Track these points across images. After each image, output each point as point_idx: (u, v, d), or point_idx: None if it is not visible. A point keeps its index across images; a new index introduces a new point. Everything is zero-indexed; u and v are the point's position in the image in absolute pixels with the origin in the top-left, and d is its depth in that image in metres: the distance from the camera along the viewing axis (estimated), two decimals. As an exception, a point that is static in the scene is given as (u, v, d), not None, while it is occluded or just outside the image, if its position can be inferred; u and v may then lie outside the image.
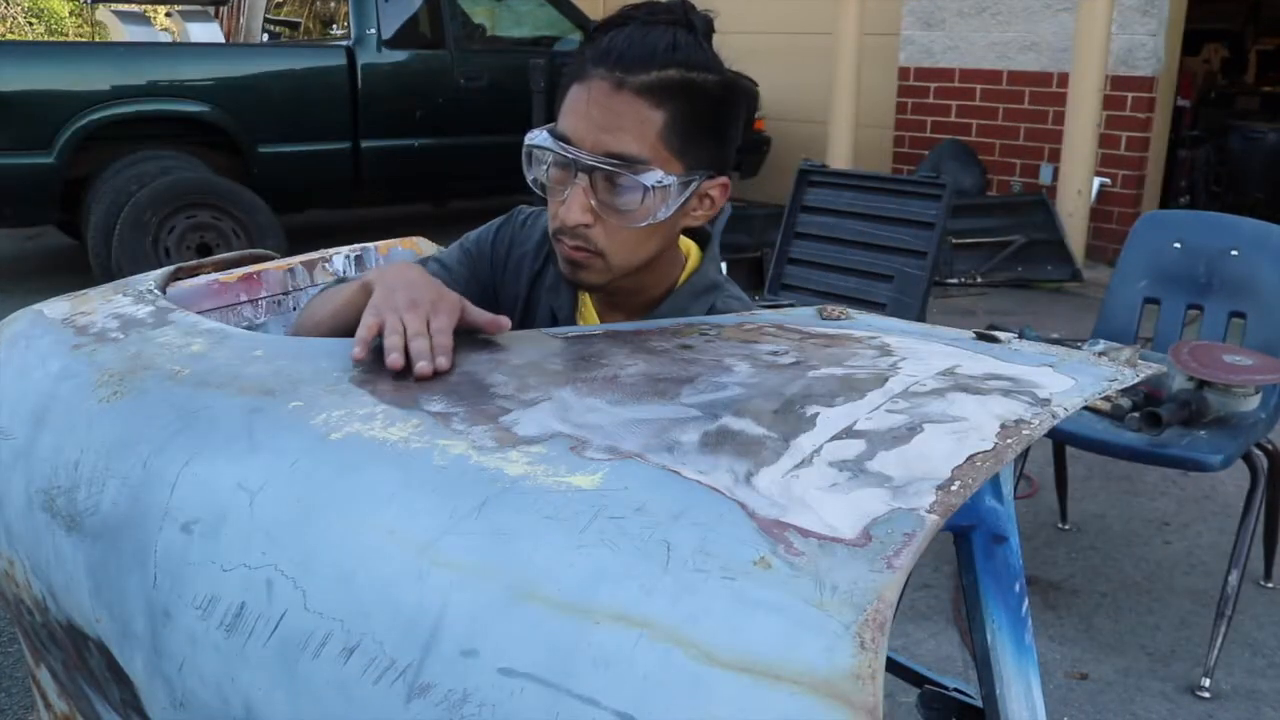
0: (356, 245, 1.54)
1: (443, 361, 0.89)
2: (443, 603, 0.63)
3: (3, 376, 1.06)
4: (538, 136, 1.05)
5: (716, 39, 1.06)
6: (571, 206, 1.02)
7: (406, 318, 0.92)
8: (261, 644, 0.69)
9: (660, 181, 1.01)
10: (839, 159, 5.97)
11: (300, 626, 0.68)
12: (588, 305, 1.18)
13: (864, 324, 0.93)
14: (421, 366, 0.87)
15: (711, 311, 1.14)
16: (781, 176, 5.26)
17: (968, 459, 0.64)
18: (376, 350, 0.93)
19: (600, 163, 1.00)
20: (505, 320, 0.99)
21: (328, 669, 0.65)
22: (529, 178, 1.08)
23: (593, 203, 1.02)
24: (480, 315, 0.98)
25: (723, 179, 1.09)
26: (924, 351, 0.83)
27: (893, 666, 1.39)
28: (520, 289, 1.22)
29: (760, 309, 1.05)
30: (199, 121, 5.05)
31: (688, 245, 1.19)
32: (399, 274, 1.01)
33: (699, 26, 1.04)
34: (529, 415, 0.76)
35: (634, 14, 1.04)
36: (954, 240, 5.15)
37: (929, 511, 0.60)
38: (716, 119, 1.05)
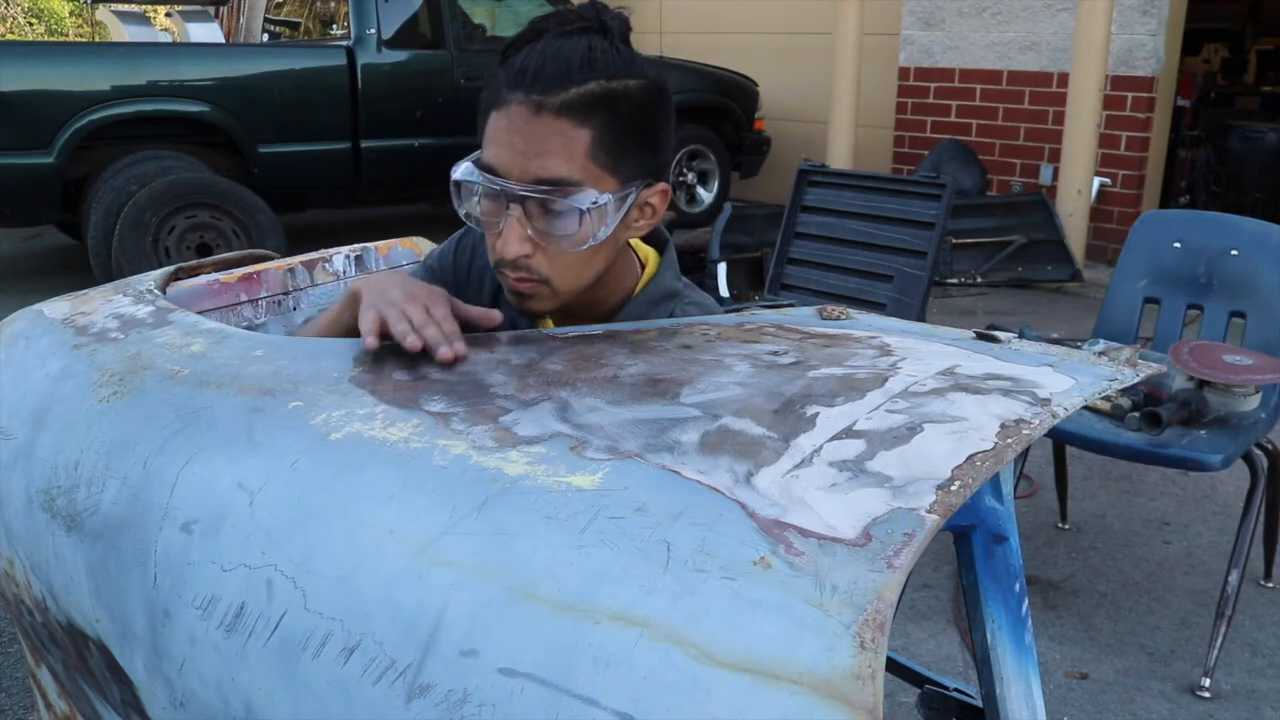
0: (356, 245, 1.54)
1: (460, 346, 0.88)
2: (443, 603, 0.63)
3: (3, 376, 1.06)
4: (462, 169, 1.01)
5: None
6: (509, 239, 0.98)
7: (407, 309, 0.93)
8: (261, 644, 0.69)
9: (595, 202, 0.96)
10: (839, 159, 5.97)
11: (300, 626, 0.68)
12: (546, 320, 1.17)
13: (864, 324, 0.93)
14: (443, 352, 0.87)
15: None
16: (781, 176, 5.27)
17: (968, 459, 0.64)
18: (376, 350, 0.93)
19: (530, 191, 0.96)
20: (496, 313, 0.99)
21: (328, 669, 0.66)
22: (460, 212, 1.03)
23: (529, 232, 0.98)
24: (471, 309, 0.98)
25: (661, 185, 1.04)
26: (924, 351, 0.83)
27: (893, 666, 1.39)
28: (484, 299, 1.19)
29: (755, 309, 1.05)
30: (199, 121, 5.05)
31: (646, 252, 1.16)
32: (383, 277, 1.01)
33: (615, 29, 1.00)
34: (529, 415, 0.76)
35: (544, 26, 1.00)
36: (954, 240, 5.16)
37: (929, 511, 0.60)
38: (645, 126, 1.00)
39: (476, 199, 1.01)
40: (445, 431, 0.75)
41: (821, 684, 0.52)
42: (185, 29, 6.43)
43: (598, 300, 1.10)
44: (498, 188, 0.97)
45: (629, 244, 1.13)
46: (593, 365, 0.87)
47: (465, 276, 1.22)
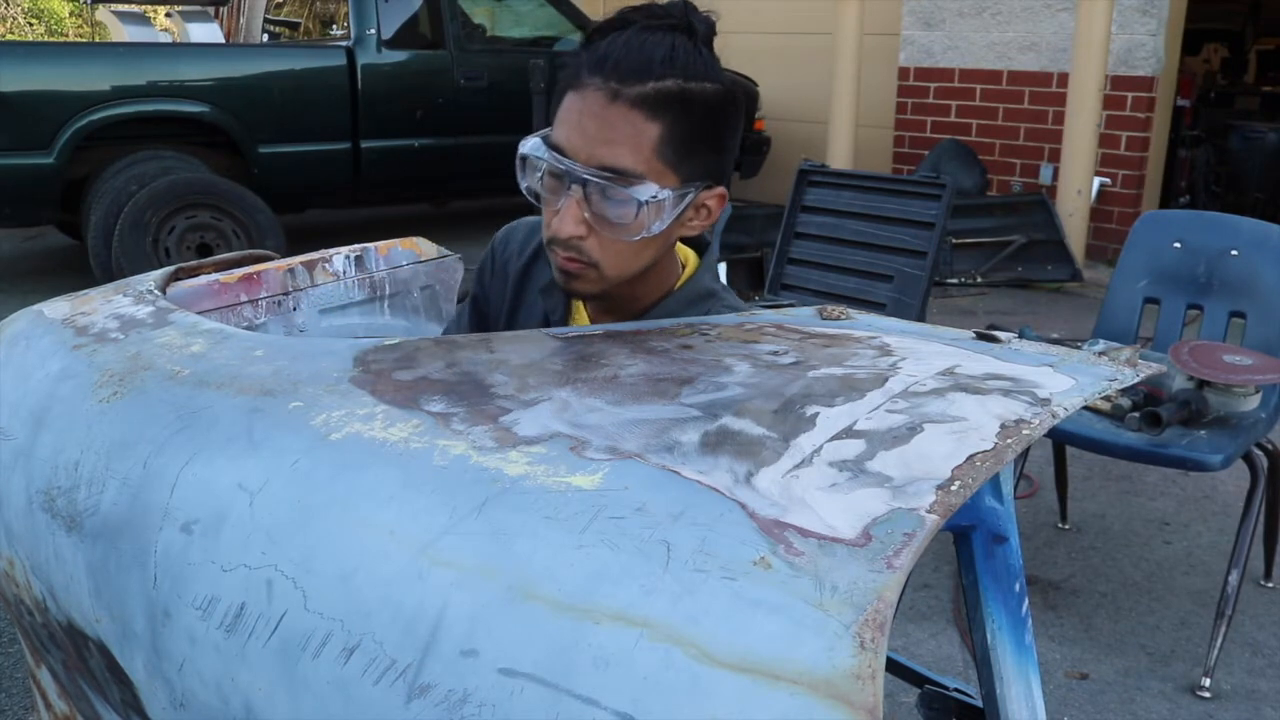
0: (356, 245, 1.54)
1: None
2: (443, 603, 0.63)
3: (3, 376, 1.06)
4: (531, 144, 1.03)
5: (718, 41, 1.04)
6: (565, 219, 1.00)
7: None
8: (261, 644, 0.69)
9: (655, 196, 0.98)
10: (839, 159, 5.97)
11: (300, 627, 0.68)
12: (580, 310, 1.18)
13: (864, 324, 0.93)
14: None
15: None
16: (781, 176, 5.26)
17: (968, 459, 0.64)
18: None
19: (593, 175, 0.98)
20: None
21: (328, 669, 0.65)
22: (522, 185, 1.06)
23: (586, 215, 1.00)
24: None
25: (720, 189, 1.06)
26: (924, 351, 0.83)
27: (893, 666, 1.39)
28: (506, 289, 1.22)
29: (755, 309, 1.05)
30: (199, 121, 5.05)
31: (685, 253, 1.18)
32: None
33: (700, 31, 1.01)
34: (529, 415, 0.76)
35: (633, 17, 1.01)
36: (954, 240, 5.16)
37: (929, 511, 0.60)
38: (714, 130, 1.02)
39: (540, 175, 1.03)
40: (445, 431, 0.75)
41: (821, 684, 0.52)
42: (185, 29, 6.43)
43: (638, 295, 1.11)
44: (563, 167, 0.99)
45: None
46: (593, 365, 0.87)
47: (489, 274, 1.25)
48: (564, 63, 1.04)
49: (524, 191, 1.06)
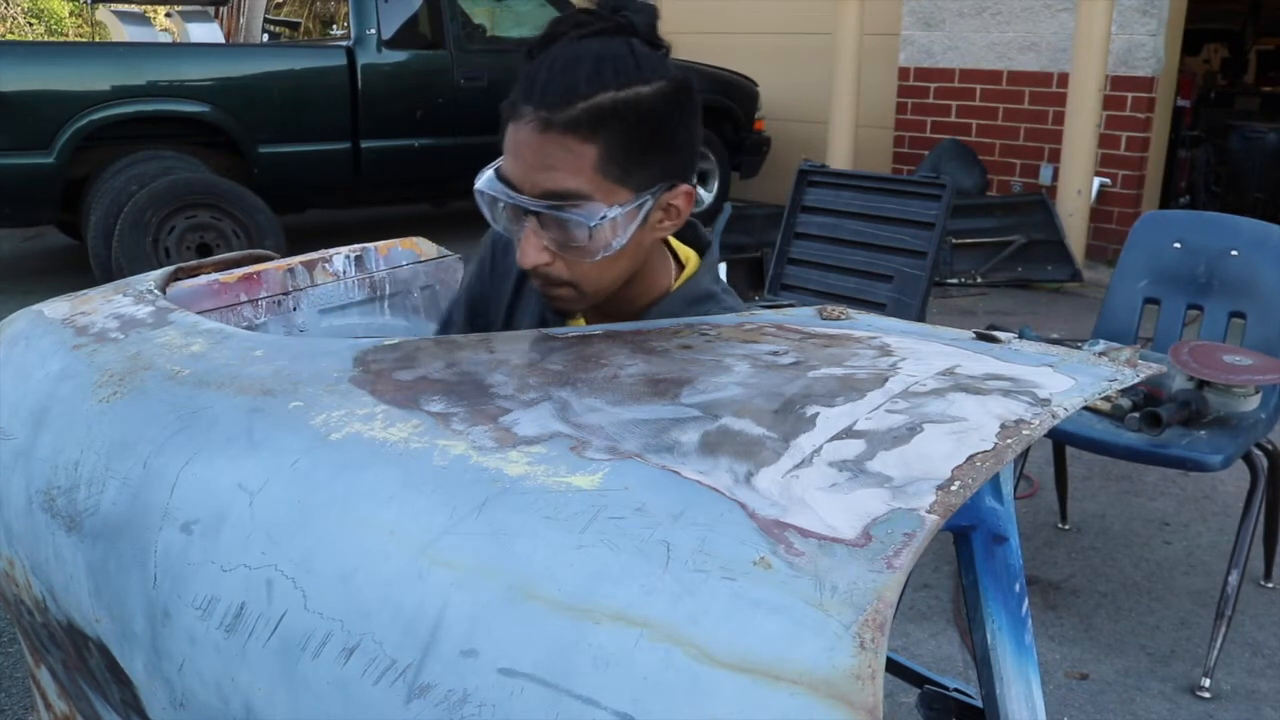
0: (356, 245, 1.54)
1: None
2: (443, 603, 0.63)
3: (3, 376, 1.06)
4: (484, 178, 1.01)
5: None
6: (526, 250, 0.99)
7: None
8: (261, 644, 0.69)
9: (605, 216, 0.95)
10: (839, 159, 5.97)
11: (300, 627, 0.68)
12: (578, 318, 1.17)
13: (864, 324, 0.93)
14: None
15: None
16: (781, 176, 5.27)
17: (968, 459, 0.64)
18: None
19: (539, 206, 0.96)
20: None
21: (328, 669, 0.65)
22: (489, 218, 1.04)
23: (545, 242, 0.98)
24: None
25: (684, 187, 1.02)
26: (924, 351, 0.83)
27: (893, 666, 1.39)
28: (507, 286, 1.21)
29: (755, 309, 1.05)
30: (199, 121, 5.05)
31: (686, 253, 1.16)
32: None
33: (639, 24, 0.97)
34: (529, 415, 0.76)
35: (560, 30, 0.97)
36: (954, 240, 5.16)
37: (929, 511, 0.60)
38: (660, 132, 0.97)
39: (501, 206, 1.01)
40: (445, 431, 0.75)
41: (821, 684, 0.52)
42: (185, 29, 6.43)
43: (630, 298, 1.10)
44: (511, 201, 0.97)
45: (668, 242, 1.13)
46: (593, 365, 0.87)
47: (490, 268, 1.23)
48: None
49: (493, 225, 1.04)
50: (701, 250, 1.18)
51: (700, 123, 1.03)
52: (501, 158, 1.00)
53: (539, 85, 0.94)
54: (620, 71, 0.95)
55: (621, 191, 0.97)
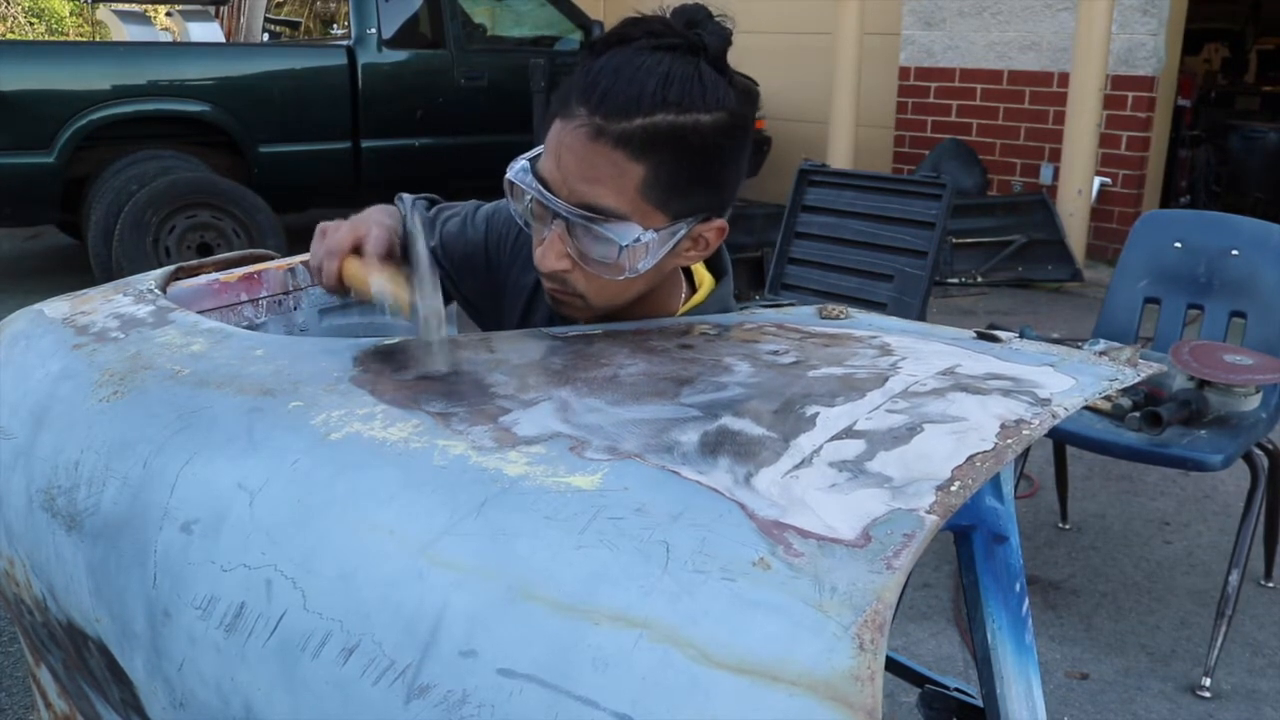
0: (357, 245, 1.53)
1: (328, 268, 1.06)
2: (442, 603, 0.63)
3: (3, 376, 1.06)
4: (517, 169, 0.97)
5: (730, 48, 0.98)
6: (548, 253, 0.96)
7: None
8: (261, 644, 0.69)
9: (638, 239, 0.92)
10: (839, 159, 5.97)
11: (300, 626, 0.68)
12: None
13: (864, 323, 0.93)
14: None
15: None
16: (781, 176, 5.26)
17: (968, 459, 0.64)
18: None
19: (573, 215, 0.92)
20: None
21: (327, 669, 0.65)
22: (512, 209, 1.01)
23: (569, 250, 0.95)
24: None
25: (719, 222, 0.99)
26: (924, 351, 0.83)
27: (893, 666, 1.39)
28: (528, 279, 1.17)
29: (755, 309, 1.05)
30: (199, 121, 5.05)
31: (702, 275, 1.13)
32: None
33: (711, 47, 0.93)
34: (529, 415, 0.76)
35: (633, 33, 0.92)
36: (954, 240, 5.16)
37: (929, 512, 0.60)
38: (708, 164, 0.93)
39: (528, 200, 0.98)
40: (445, 431, 0.75)
41: (820, 685, 0.52)
42: (185, 29, 6.43)
43: (633, 316, 1.06)
44: (545, 202, 0.94)
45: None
46: (593, 365, 0.86)
47: (510, 246, 1.19)
48: (570, 64, 0.99)
49: (514, 215, 1.02)
50: (718, 275, 1.14)
51: (748, 157, 1.00)
52: (539, 150, 0.97)
53: (599, 90, 0.90)
54: (686, 95, 0.90)
55: (659, 216, 0.94)
